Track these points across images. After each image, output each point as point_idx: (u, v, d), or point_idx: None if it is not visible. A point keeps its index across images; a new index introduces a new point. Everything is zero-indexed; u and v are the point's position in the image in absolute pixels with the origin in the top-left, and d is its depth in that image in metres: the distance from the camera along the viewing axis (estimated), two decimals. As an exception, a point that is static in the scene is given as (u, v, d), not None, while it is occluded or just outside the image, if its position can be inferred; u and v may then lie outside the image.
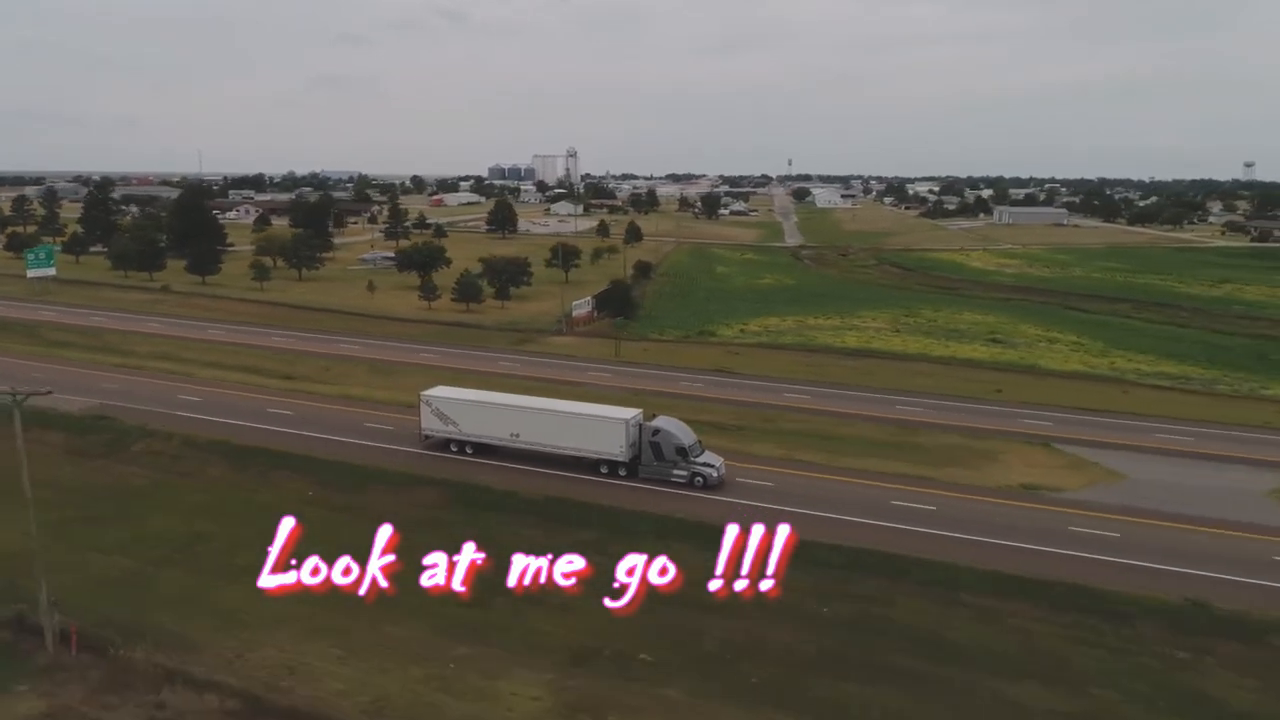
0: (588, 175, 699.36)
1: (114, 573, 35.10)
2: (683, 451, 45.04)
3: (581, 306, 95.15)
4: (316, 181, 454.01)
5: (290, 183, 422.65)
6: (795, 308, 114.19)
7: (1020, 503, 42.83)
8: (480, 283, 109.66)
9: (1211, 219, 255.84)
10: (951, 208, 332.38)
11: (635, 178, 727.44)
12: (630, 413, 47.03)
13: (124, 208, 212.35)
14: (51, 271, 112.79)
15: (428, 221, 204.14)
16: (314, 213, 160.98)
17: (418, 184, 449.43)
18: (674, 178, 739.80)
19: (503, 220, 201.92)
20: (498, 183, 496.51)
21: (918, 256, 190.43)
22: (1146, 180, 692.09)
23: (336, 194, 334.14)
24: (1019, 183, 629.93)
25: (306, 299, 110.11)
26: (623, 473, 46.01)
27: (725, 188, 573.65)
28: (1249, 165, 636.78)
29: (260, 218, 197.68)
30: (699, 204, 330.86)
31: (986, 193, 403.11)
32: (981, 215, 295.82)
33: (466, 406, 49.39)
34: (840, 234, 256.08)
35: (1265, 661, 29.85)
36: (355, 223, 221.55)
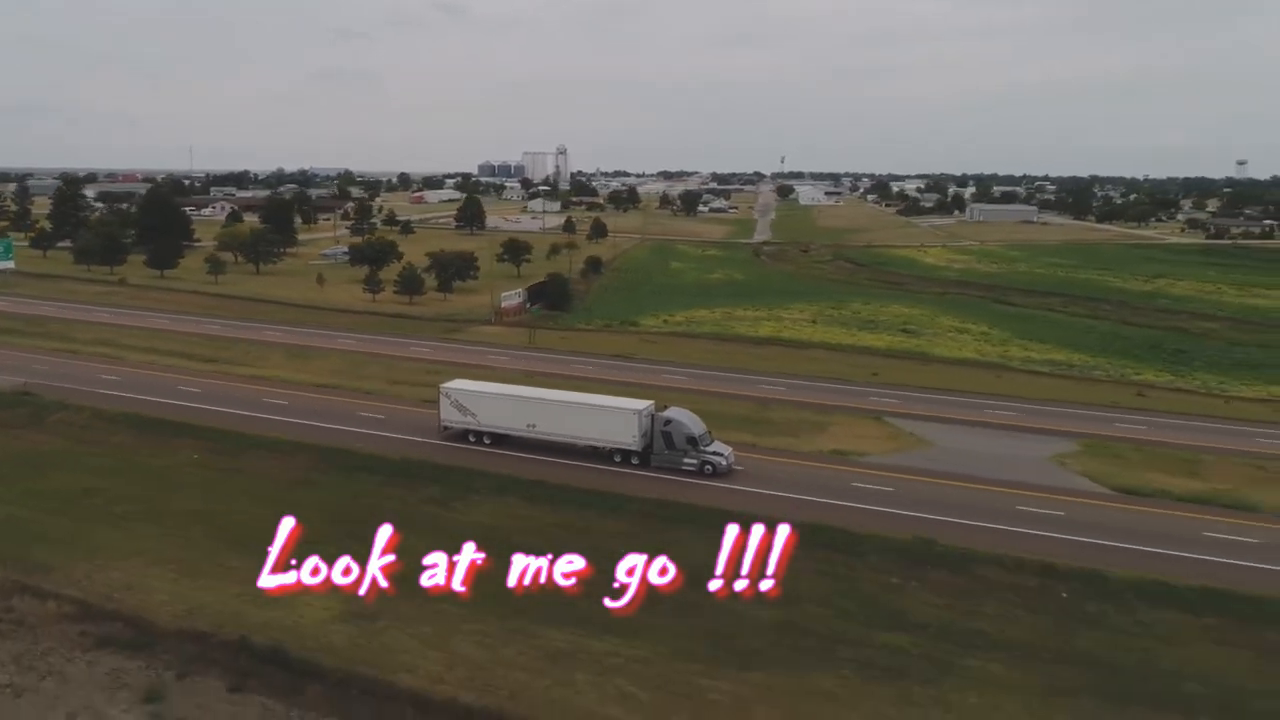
0: (581, 172, 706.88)
1: (7, 519, 40.93)
2: (693, 441, 47.18)
3: (511, 298, 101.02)
4: (302, 178, 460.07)
5: (275, 180, 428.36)
6: (731, 301, 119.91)
7: (822, 464, 48.72)
8: (425, 276, 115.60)
9: (1180, 216, 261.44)
10: (929, 205, 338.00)
11: (627, 174, 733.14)
12: (643, 404, 49.16)
13: (94, 204, 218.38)
14: (10, 265, 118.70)
15: (398, 218, 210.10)
16: (279, 210, 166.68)
17: (404, 181, 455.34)
18: (666, 175, 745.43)
19: (471, 217, 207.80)
20: (485, 180, 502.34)
21: (876, 253, 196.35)
22: (1141, 178, 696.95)
23: (319, 191, 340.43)
24: (1012, 180, 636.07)
25: (257, 292, 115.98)
26: (635, 461, 48.04)
27: (714, 184, 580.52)
28: (1241, 163, 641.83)
29: (232, 214, 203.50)
30: (678, 202, 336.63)
31: (969, 190, 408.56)
32: (956, 213, 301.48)
33: (484, 398, 51.62)
34: (813, 231, 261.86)
35: (960, 586, 35.67)
36: (328, 219, 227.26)
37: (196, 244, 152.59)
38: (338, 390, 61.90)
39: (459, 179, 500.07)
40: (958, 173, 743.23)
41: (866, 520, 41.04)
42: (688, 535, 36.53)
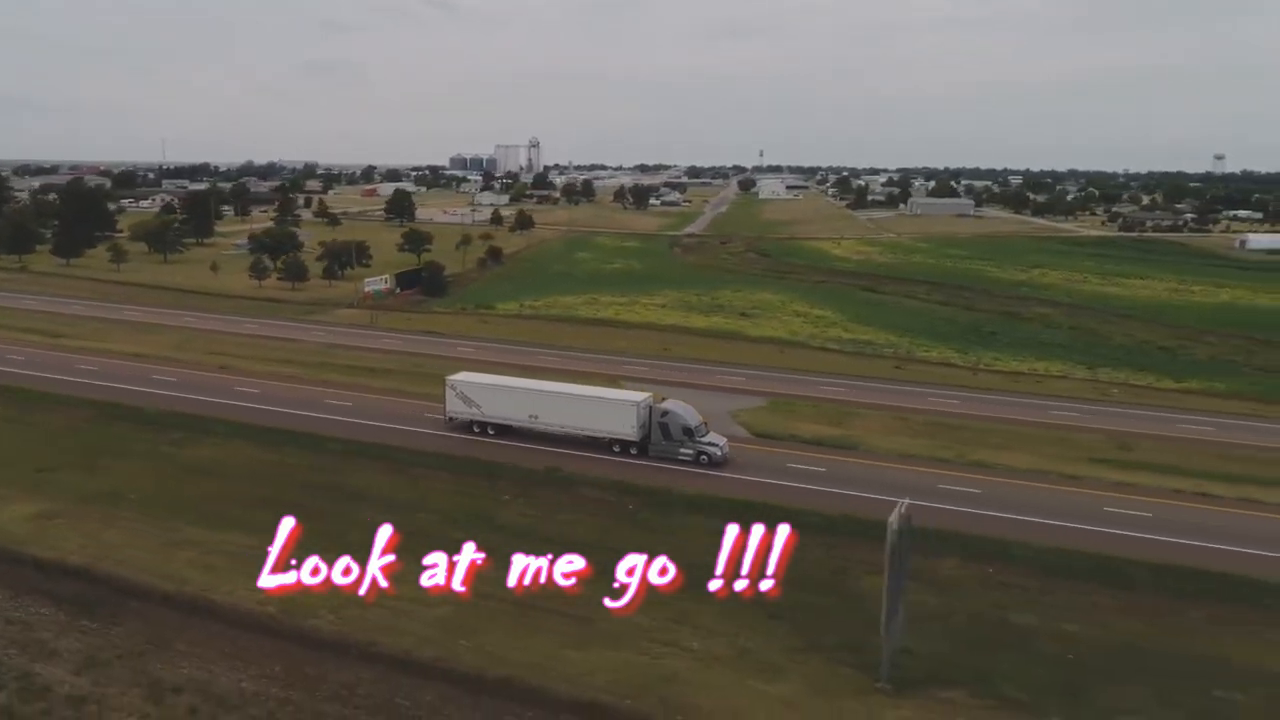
0: (559, 166, 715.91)
1: None
2: (689, 432, 49.96)
3: (376, 283, 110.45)
4: (266, 171, 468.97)
5: (237, 173, 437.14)
6: (607, 288, 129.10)
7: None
8: (309, 264, 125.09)
9: (1116, 209, 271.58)
10: (880, 199, 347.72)
11: (604, 168, 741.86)
12: (641, 396, 52.30)
13: (16, 194, 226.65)
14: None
15: (330, 210, 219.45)
16: (196, 202, 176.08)
17: (367, 175, 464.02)
18: (643, 169, 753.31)
19: (400, 209, 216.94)
20: (449, 173, 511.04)
21: (793, 245, 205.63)
22: (1120, 172, 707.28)
23: (273, 183, 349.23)
24: (994, 174, 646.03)
25: (153, 279, 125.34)
26: (634, 451, 50.74)
27: (684, 179, 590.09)
28: (1219, 158, 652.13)
29: (166, 206, 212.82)
30: (629, 196, 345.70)
31: (929, 184, 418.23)
32: (901, 206, 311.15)
33: (488, 390, 54.27)
34: (753, 224, 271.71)
35: (558, 501, 45.10)
36: (265, 211, 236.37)
37: (118, 234, 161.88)
38: (149, 359, 71.54)
39: (425, 172, 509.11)
40: (942, 167, 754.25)
41: (518, 456, 50.69)
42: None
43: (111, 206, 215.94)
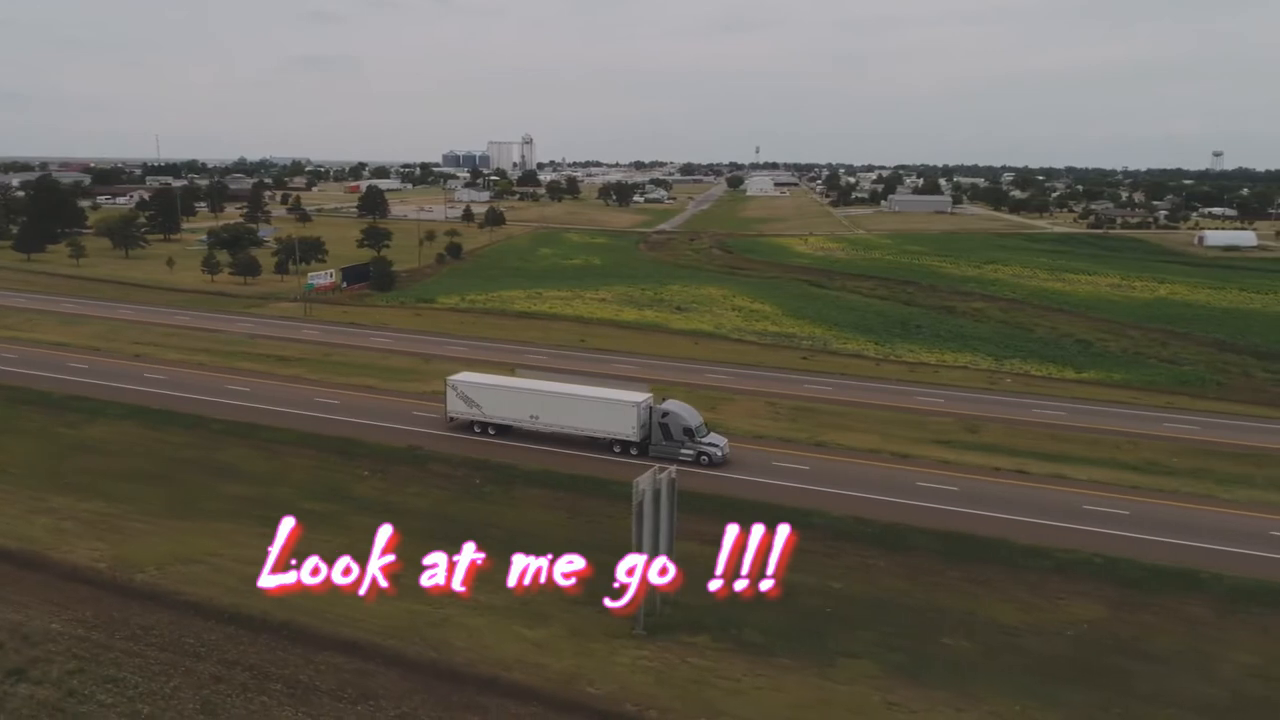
0: (552, 162, 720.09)
1: None
2: (689, 432, 50.55)
3: (320, 278, 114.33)
4: (252, 168, 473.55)
5: (223, 169, 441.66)
6: (555, 283, 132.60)
7: (413, 399, 62.23)
8: (265, 259, 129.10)
9: (1093, 206, 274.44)
10: (864, 196, 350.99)
11: (599, 165, 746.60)
12: (641, 396, 52.43)
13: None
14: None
15: (302, 206, 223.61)
16: (162, 199, 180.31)
17: (355, 172, 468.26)
18: (639, 165, 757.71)
19: (372, 206, 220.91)
20: (439, 170, 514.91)
21: (761, 241, 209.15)
22: (1119, 169, 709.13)
23: (264, 179, 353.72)
24: (991, 171, 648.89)
25: (109, 274, 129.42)
26: (634, 452, 51.07)
27: (677, 175, 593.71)
28: (1217, 155, 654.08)
29: (141, 202, 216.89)
30: (613, 193, 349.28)
31: (919, 182, 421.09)
32: (882, 203, 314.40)
33: (489, 390, 54.66)
34: (731, 220, 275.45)
35: (412, 475, 48.94)
36: (240, 208, 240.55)
37: (85, 230, 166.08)
38: (70, 349, 75.55)
39: (415, 169, 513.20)
40: (941, 164, 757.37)
41: (385, 436, 54.55)
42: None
43: (86, 203, 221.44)
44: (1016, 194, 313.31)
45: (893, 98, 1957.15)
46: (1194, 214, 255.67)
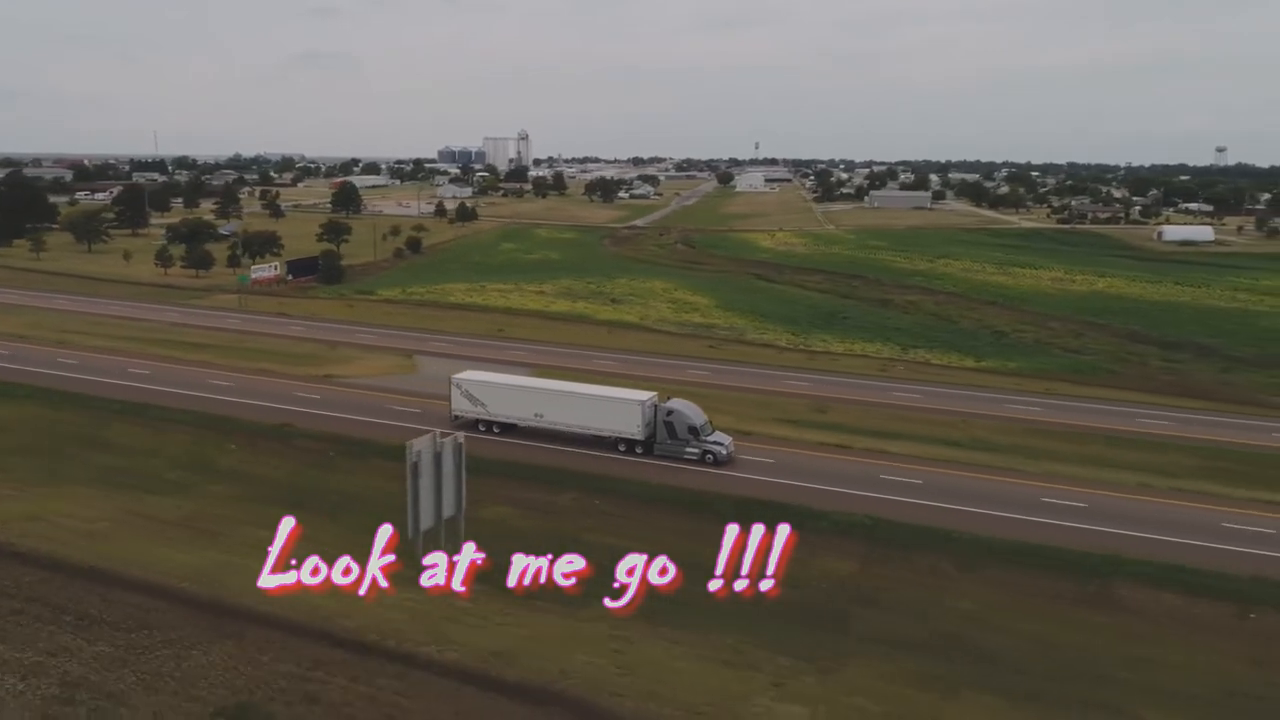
0: (550, 158, 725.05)
1: None
2: (694, 430, 51.21)
3: (264, 271, 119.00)
4: (245, 164, 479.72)
5: (214, 166, 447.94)
6: (504, 276, 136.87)
7: (300, 381, 66.66)
8: (217, 252, 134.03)
9: (1072, 202, 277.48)
10: (850, 192, 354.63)
11: (596, 161, 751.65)
12: (646, 395, 53.14)
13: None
14: None
15: (277, 202, 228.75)
16: (130, 195, 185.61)
17: (345, 168, 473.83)
18: (637, 161, 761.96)
19: (346, 201, 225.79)
20: (431, 166, 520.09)
21: (726, 237, 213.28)
22: (1122, 165, 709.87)
23: (237, 176, 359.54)
24: (992, 167, 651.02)
25: (66, 267, 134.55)
26: (639, 450, 51.95)
27: (672, 171, 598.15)
28: (1220, 150, 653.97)
29: (116, 198, 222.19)
30: (598, 189, 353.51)
31: (909, 178, 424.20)
32: (865, 199, 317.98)
33: (494, 389, 55.60)
34: (710, 216, 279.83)
35: (273, 449, 53.29)
36: (216, 203, 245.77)
37: (54, 226, 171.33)
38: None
39: (408, 165, 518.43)
40: (944, 160, 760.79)
41: (263, 414, 58.93)
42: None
43: (64, 199, 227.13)
44: (1005, 189, 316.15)
45: (898, 94, 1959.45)
46: (1171, 209, 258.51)
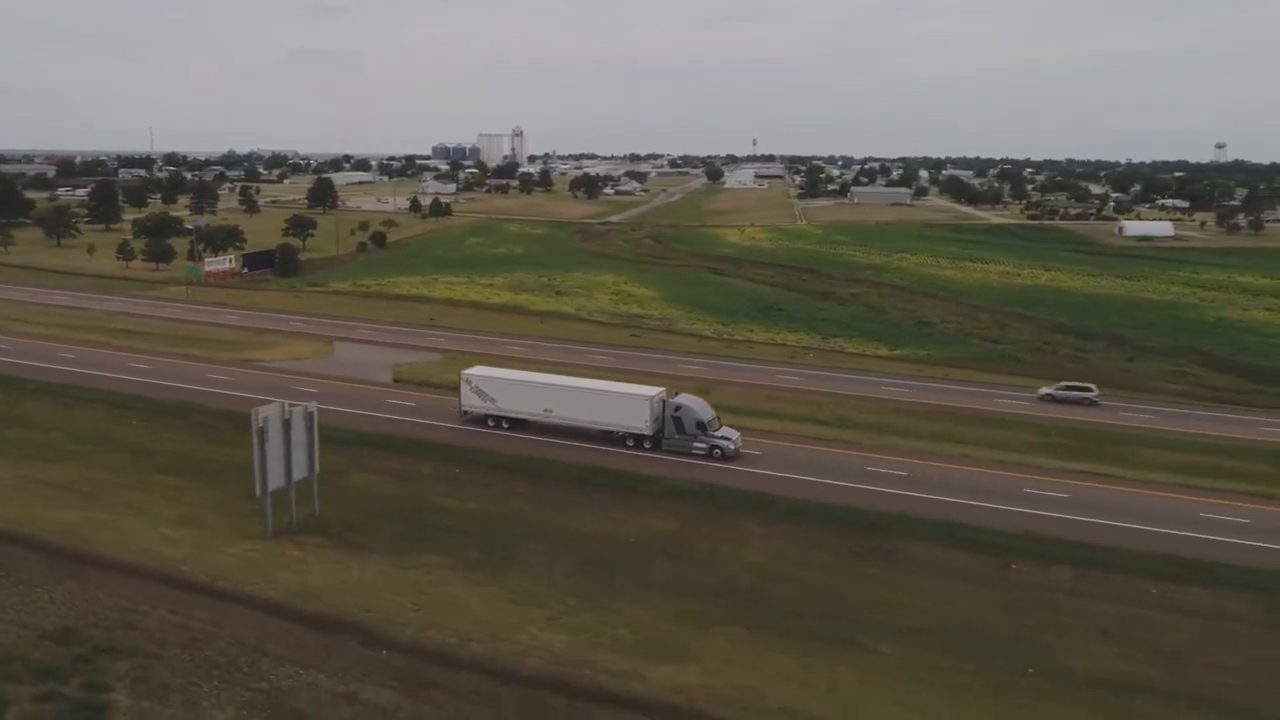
0: (546, 155, 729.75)
1: None
2: (702, 426, 52.52)
3: (219, 263, 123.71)
4: (239, 160, 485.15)
5: (199, 163, 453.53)
6: (460, 270, 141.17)
7: (219, 365, 71.30)
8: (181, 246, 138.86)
9: (1049, 198, 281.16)
10: (835, 188, 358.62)
11: (593, 157, 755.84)
12: (654, 390, 54.61)
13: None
14: None
15: (253, 198, 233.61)
16: (102, 191, 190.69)
17: (335, 164, 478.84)
18: (634, 158, 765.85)
19: (321, 197, 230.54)
20: (422, 162, 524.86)
21: (697, 232, 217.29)
22: (1122, 161, 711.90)
23: (224, 172, 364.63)
24: (992, 163, 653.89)
25: (30, 261, 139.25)
26: (647, 445, 53.32)
27: (666, 168, 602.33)
28: (1220, 146, 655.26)
29: (90, 194, 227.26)
30: (582, 185, 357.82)
31: (897, 174, 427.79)
32: (848, 195, 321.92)
33: (504, 384, 57.05)
34: (690, 212, 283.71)
35: (201, 426, 57.85)
36: (193, 199, 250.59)
37: (26, 221, 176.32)
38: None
39: (401, 161, 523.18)
40: (944, 156, 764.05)
41: (171, 393, 63.50)
42: None
43: (44, 194, 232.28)
44: (977, 183, 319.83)
45: (898, 90, 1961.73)
46: (1147, 205, 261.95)
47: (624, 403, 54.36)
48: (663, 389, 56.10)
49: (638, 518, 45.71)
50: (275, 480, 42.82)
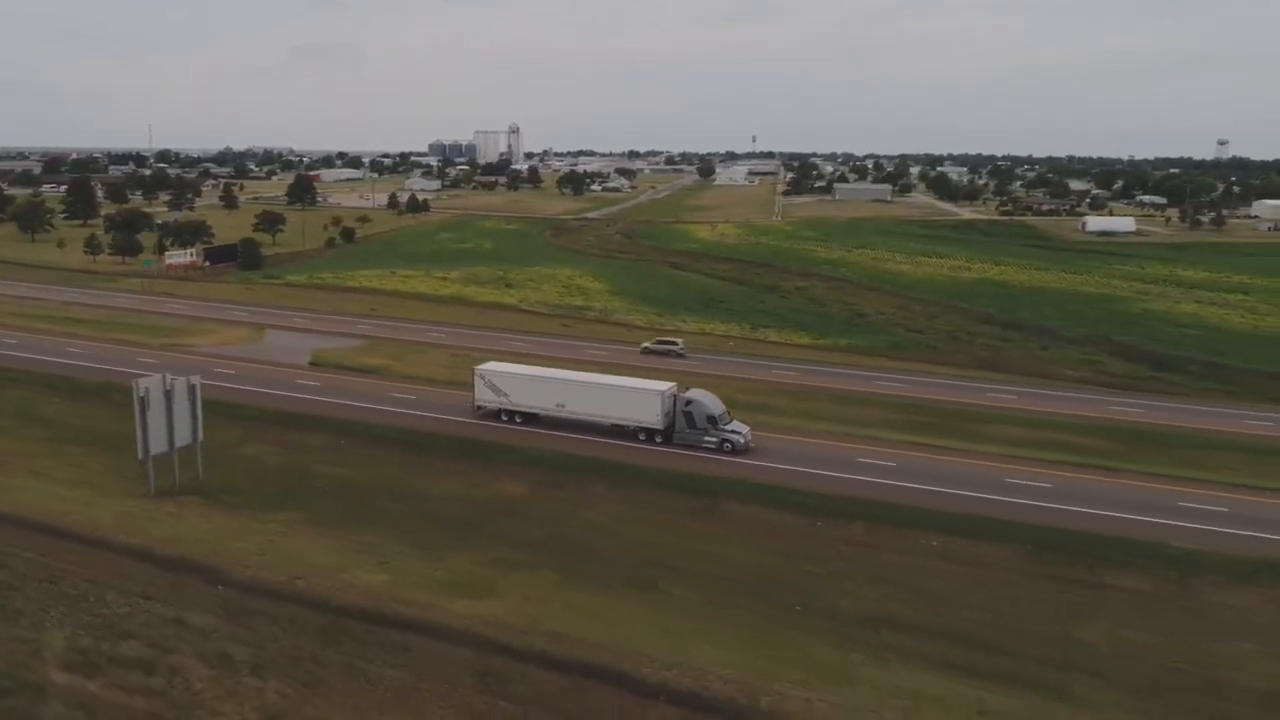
0: (544, 152, 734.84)
1: None
2: (712, 420, 53.63)
3: (180, 256, 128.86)
4: (234, 157, 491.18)
5: (192, 160, 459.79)
6: (421, 264, 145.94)
7: (151, 350, 76.21)
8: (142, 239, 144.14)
9: (1024, 194, 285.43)
10: (821, 185, 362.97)
11: (592, 154, 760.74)
12: (665, 385, 55.74)
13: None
14: None
15: (233, 194, 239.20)
16: (78, 187, 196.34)
17: (327, 161, 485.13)
18: (632, 155, 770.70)
19: (299, 194, 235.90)
20: (415, 159, 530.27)
21: (669, 228, 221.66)
22: (1124, 158, 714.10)
23: (217, 169, 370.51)
24: (993, 160, 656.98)
25: (2, 254, 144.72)
26: (659, 439, 54.49)
27: (662, 165, 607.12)
28: (1222, 143, 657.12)
29: (67, 190, 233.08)
30: (569, 182, 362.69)
31: (883, 171, 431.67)
32: (832, 192, 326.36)
33: (517, 379, 58.39)
34: (673, 209, 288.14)
35: (89, 400, 62.71)
36: (172, 194, 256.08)
37: (2, 217, 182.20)
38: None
39: (395, 159, 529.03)
40: (945, 153, 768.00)
41: (96, 375, 68.35)
42: None
43: (28, 191, 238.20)
44: (975, 182, 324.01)
45: (900, 88, 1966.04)
46: (1125, 201, 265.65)
47: (636, 397, 55.72)
48: (674, 384, 57.55)
49: (495, 482, 50.34)
50: (157, 445, 47.50)
